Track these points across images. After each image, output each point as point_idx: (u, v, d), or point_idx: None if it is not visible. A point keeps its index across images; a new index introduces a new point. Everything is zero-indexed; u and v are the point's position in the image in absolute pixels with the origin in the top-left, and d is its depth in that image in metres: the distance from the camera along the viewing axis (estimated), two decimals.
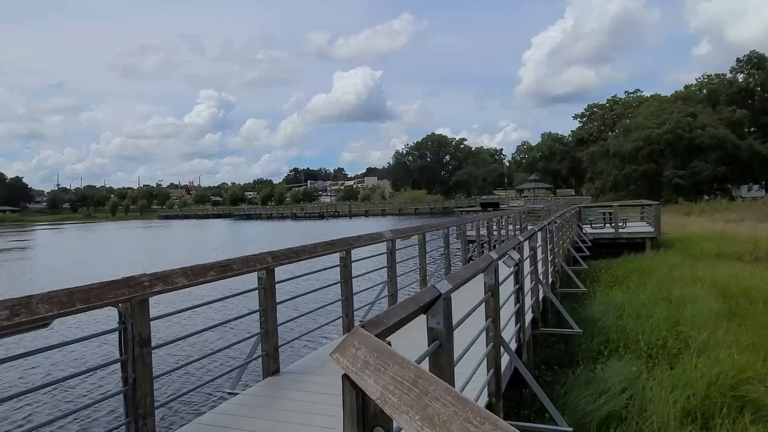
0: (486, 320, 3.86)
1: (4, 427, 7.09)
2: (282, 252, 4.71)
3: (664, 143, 54.83)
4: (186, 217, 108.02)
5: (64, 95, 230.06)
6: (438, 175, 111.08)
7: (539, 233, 7.23)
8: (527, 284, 6.22)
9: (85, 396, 8.18)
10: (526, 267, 6.19)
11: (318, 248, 5.26)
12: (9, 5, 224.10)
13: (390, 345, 1.80)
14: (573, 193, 78.13)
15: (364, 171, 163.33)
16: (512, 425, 1.08)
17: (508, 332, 4.87)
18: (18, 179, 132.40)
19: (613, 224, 21.17)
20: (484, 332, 3.81)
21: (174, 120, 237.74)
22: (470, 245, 13.30)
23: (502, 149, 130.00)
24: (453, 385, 2.74)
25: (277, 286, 4.65)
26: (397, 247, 7.50)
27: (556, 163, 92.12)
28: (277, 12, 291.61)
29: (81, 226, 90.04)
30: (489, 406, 3.84)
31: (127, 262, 30.02)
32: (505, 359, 4.41)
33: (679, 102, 60.45)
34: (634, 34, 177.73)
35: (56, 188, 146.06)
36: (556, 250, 10.01)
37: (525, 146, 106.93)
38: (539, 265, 7.42)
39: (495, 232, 14.61)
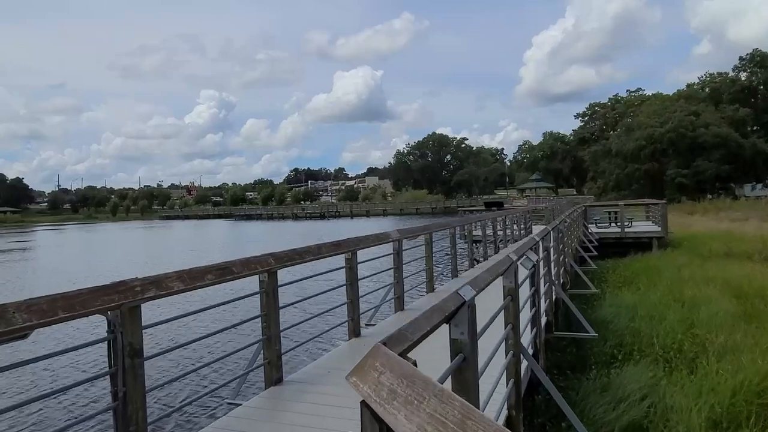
0: (506, 327, 3.57)
1: None
2: (285, 253, 4.43)
3: (666, 142, 54.55)
4: (187, 217, 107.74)
5: (64, 95, 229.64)
6: (439, 174, 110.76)
7: (552, 233, 6.95)
8: (542, 286, 5.94)
9: (70, 413, 7.44)
10: (540, 268, 5.91)
11: (323, 249, 4.99)
12: (9, 5, 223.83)
13: (417, 365, 1.52)
14: (574, 193, 77.78)
15: (365, 171, 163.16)
16: None
17: (525, 338, 4.59)
18: (19, 180, 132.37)
19: (618, 223, 20.87)
20: (504, 340, 3.53)
21: (174, 120, 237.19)
22: (476, 245, 13.01)
23: (503, 149, 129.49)
24: (478, 403, 2.47)
25: (279, 289, 4.37)
26: (403, 248, 7.22)
27: (557, 163, 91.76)
28: (277, 12, 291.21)
29: (82, 226, 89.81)
30: (509, 420, 3.56)
31: (128, 263, 29.76)
32: (522, 366, 4.13)
33: (681, 101, 60.17)
34: (634, 33, 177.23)
35: (57, 189, 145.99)
36: (566, 250, 9.73)
37: (526, 145, 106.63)
38: (552, 265, 7.14)
39: (500, 232, 14.34)
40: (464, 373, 2.32)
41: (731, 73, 64.65)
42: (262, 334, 4.30)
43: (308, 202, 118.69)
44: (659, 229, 19.59)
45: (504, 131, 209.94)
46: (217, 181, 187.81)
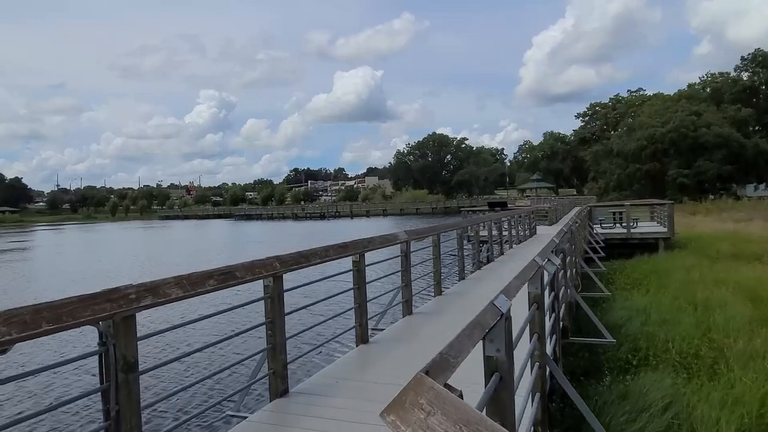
0: (531, 337, 3.30)
1: None
2: (291, 256, 4.15)
3: (668, 142, 54.29)
4: (186, 217, 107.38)
5: (64, 95, 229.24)
6: (439, 174, 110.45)
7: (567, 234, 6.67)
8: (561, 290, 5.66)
9: None
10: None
11: (330, 251, 4.71)
12: (9, 5, 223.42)
13: (462, 397, 1.25)
14: (575, 193, 77.50)
15: (365, 171, 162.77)
16: None
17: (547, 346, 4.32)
18: (18, 180, 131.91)
19: (624, 224, 20.61)
20: (531, 352, 3.25)
21: (174, 120, 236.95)
22: (482, 246, 12.72)
23: (503, 149, 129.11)
24: (514, 428, 2.19)
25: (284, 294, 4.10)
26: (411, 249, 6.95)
27: (558, 163, 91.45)
28: (277, 12, 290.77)
29: (81, 226, 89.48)
30: None
31: (127, 264, 29.47)
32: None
33: (683, 101, 59.87)
34: (634, 33, 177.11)
35: (56, 189, 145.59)
36: (576, 251, 9.46)
37: (527, 145, 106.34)
38: (567, 268, 6.86)
39: (505, 233, 14.05)
40: (500, 394, 2.05)
41: (733, 73, 64.43)
42: (267, 342, 4.02)
43: (308, 203, 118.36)
44: (665, 229, 19.33)
45: (504, 131, 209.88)
46: (216, 181, 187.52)
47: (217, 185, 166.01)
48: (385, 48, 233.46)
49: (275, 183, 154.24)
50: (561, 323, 5.92)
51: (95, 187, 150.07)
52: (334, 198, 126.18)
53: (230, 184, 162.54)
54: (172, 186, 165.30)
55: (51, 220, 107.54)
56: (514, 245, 14.42)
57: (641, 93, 77.58)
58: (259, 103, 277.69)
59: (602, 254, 15.20)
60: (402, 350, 5.25)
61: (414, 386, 1.20)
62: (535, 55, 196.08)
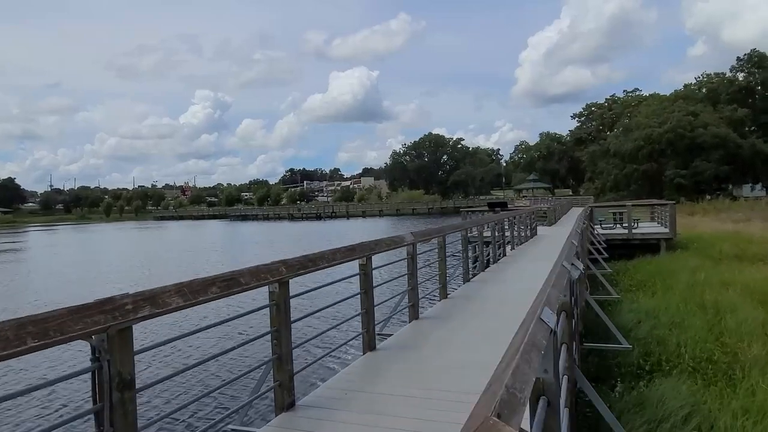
0: (560, 348, 3.05)
1: None
2: (298, 261, 3.90)
3: (665, 142, 54.27)
4: (181, 218, 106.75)
5: (60, 95, 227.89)
6: (435, 175, 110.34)
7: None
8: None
9: None
10: None
11: (337, 255, 4.46)
12: (9, 5, 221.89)
13: None
14: (571, 193, 77.47)
15: (360, 171, 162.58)
16: None
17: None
18: (10, 180, 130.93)
19: (624, 225, 20.43)
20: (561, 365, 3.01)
21: (170, 120, 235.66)
22: (486, 248, 12.49)
23: (499, 149, 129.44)
24: None
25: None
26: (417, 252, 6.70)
27: (554, 163, 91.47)
28: (275, 12, 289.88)
29: (74, 227, 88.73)
30: None
31: (128, 265, 29.12)
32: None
33: (679, 101, 59.88)
34: (630, 34, 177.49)
35: (49, 189, 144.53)
36: (584, 253, 9.24)
37: (523, 146, 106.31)
38: None
39: (507, 233, 13.83)
40: (548, 421, 1.80)
41: (729, 74, 64.45)
42: (272, 352, 3.77)
43: (304, 203, 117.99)
44: (667, 230, 19.17)
45: (500, 132, 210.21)
46: (212, 182, 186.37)
47: (212, 186, 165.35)
48: (382, 48, 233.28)
49: (271, 183, 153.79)
50: (579, 329, 5.69)
51: (89, 187, 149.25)
52: (330, 198, 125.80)
53: (225, 185, 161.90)
54: (167, 186, 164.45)
55: (44, 221, 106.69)
56: (516, 246, 14.20)
57: (637, 93, 77.66)
58: (254, 103, 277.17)
59: (605, 255, 14.98)
60: (411, 358, 5.00)
61: None
62: (531, 55, 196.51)
